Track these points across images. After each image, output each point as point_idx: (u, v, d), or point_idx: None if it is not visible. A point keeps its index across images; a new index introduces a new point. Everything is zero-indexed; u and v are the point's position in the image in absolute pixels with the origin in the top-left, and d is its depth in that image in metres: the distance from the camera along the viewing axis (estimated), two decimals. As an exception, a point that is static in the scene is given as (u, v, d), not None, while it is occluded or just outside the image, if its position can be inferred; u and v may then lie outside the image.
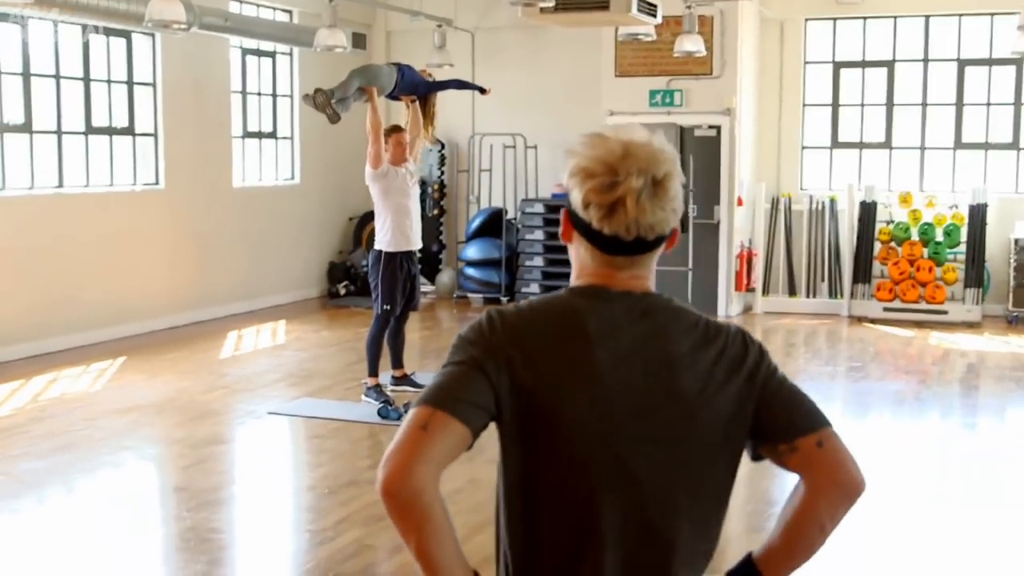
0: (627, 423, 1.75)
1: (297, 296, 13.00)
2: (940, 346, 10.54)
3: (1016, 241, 11.61)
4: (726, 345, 1.81)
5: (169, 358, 9.40)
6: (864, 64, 12.59)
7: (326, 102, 8.02)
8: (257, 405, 7.84)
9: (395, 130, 8.20)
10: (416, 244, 8.04)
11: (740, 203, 12.18)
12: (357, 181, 14.45)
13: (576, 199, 1.78)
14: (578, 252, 1.85)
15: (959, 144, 12.35)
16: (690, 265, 11.53)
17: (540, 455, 1.76)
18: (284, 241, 12.76)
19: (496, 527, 1.86)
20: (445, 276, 13.54)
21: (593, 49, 12.66)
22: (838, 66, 12.68)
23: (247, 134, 12.31)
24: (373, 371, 7.86)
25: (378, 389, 7.80)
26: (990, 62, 12.17)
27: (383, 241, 7.81)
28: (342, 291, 13.23)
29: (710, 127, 11.88)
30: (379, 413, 7.38)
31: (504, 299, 12.57)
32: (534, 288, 12.85)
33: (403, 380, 8.19)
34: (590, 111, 12.76)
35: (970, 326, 11.46)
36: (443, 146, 13.83)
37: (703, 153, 11.84)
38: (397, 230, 7.81)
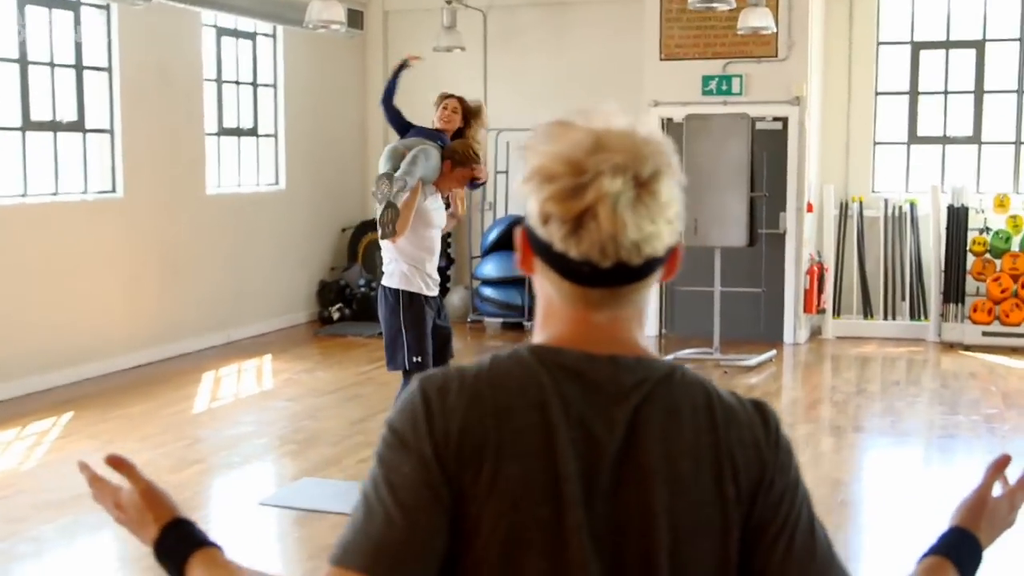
0: (584, 551, 1.26)
1: (283, 322, 11.02)
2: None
3: None
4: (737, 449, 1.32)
5: (128, 414, 7.42)
6: (948, 45, 10.74)
7: (389, 199, 5.78)
8: (243, 490, 5.88)
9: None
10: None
11: (810, 209, 10.32)
12: (351, 185, 12.66)
13: (532, 211, 1.28)
14: (542, 288, 1.34)
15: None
16: (763, 286, 9.66)
17: None
18: (267, 258, 10.78)
19: None
20: (456, 297, 11.59)
21: (632, 28, 10.78)
22: (917, 47, 10.83)
23: (223, 131, 10.33)
24: None
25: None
26: (1099, 41, 10.37)
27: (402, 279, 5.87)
28: (335, 315, 11.26)
29: (775, 119, 10.00)
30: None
31: (528, 323, 10.66)
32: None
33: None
34: (629, 101, 10.79)
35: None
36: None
37: (766, 150, 9.95)
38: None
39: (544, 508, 1.27)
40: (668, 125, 10.45)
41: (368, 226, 12.06)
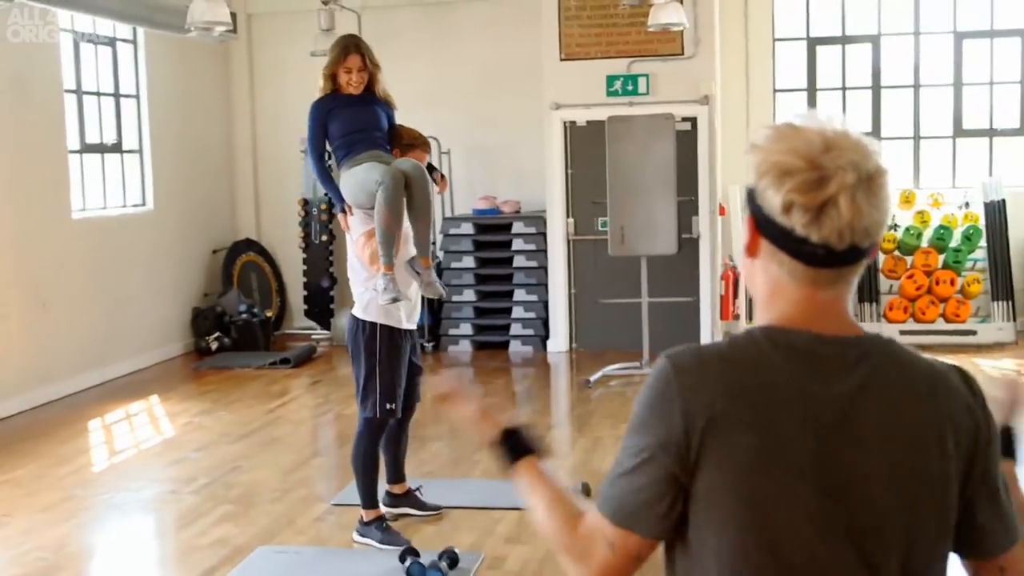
0: (822, 508, 1.47)
1: (158, 356, 9.97)
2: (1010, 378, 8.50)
3: (1046, 244, 9.79)
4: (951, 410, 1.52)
5: (15, 480, 6.36)
6: (845, 40, 10.57)
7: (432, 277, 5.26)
8: (192, 570, 4.98)
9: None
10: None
11: (723, 212, 9.95)
12: (220, 203, 11.58)
13: (772, 202, 1.47)
14: (767, 270, 1.54)
15: (959, 131, 10.48)
16: (678, 294, 9.21)
17: (737, 546, 1.48)
18: (138, 285, 9.73)
19: None
20: (344, 319, 10.73)
21: (526, 27, 10.21)
22: (814, 43, 10.61)
23: (85, 148, 9.24)
24: (369, 501, 5.16)
25: (383, 526, 5.11)
26: (991, 34, 10.35)
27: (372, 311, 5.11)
28: (214, 345, 10.28)
29: (683, 119, 9.56)
30: (409, 574, 4.68)
31: (428, 345, 9.94)
32: (465, 329, 10.25)
33: (404, 499, 5.52)
34: (527, 104, 10.28)
35: (1003, 347, 9.57)
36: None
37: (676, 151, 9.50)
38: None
39: (778, 472, 1.45)
40: (571, 129, 9.92)
41: (241, 247, 11.13)
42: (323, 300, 11.09)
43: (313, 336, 11.01)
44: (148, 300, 9.86)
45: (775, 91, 10.64)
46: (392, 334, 5.11)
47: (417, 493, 5.58)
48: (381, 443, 5.25)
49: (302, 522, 5.50)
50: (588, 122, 9.83)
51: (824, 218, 1.45)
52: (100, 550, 5.30)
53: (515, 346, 10.17)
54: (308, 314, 11.16)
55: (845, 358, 1.50)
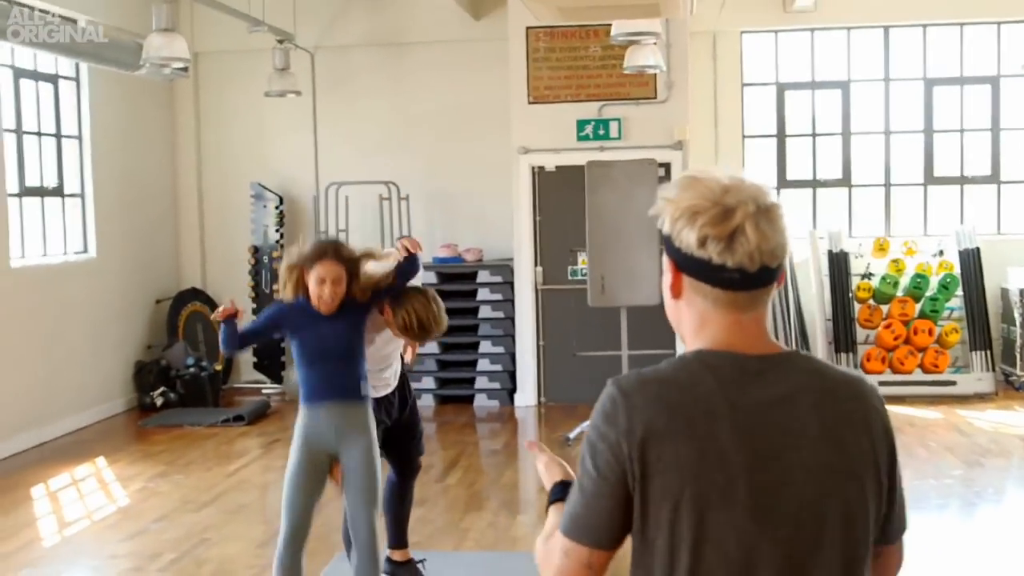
0: (759, 508, 1.65)
1: (100, 413, 9.32)
2: (1000, 431, 8.26)
3: (1021, 292, 9.60)
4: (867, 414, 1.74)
5: (-43, 556, 5.74)
6: (814, 86, 10.38)
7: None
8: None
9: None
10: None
11: (696, 260, 9.61)
12: (163, 251, 10.91)
13: (688, 240, 1.69)
14: (692, 305, 1.74)
15: (930, 178, 10.32)
16: (653, 346, 8.81)
17: (672, 540, 1.67)
18: (79, 338, 9.09)
19: None
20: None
21: (492, 69, 9.86)
22: (783, 88, 10.40)
23: (25, 191, 8.63)
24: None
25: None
26: (961, 81, 10.24)
27: None
28: (159, 401, 9.65)
29: (656, 164, 9.21)
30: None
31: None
32: (428, 383, 9.75)
33: (405, 569, 5.01)
34: (491, 149, 9.91)
35: (983, 398, 9.34)
36: (281, 200, 10.53)
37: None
38: None
39: (716, 475, 1.64)
40: (540, 174, 9.55)
41: (187, 296, 10.53)
42: (274, 353, 10.52)
43: (264, 391, 10.43)
44: (89, 353, 9.22)
45: (744, 136, 10.40)
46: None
47: (420, 567, 5.09)
48: (383, 504, 4.76)
49: (289, 604, 4.95)
50: (557, 167, 9.47)
51: (735, 244, 1.65)
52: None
53: (480, 400, 9.70)
54: (257, 367, 10.58)
55: (768, 372, 1.69)
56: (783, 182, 10.42)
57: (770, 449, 1.65)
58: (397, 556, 5.03)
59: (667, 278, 1.75)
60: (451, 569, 5.32)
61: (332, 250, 4.20)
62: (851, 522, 1.69)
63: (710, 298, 1.70)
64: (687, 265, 1.71)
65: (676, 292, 1.74)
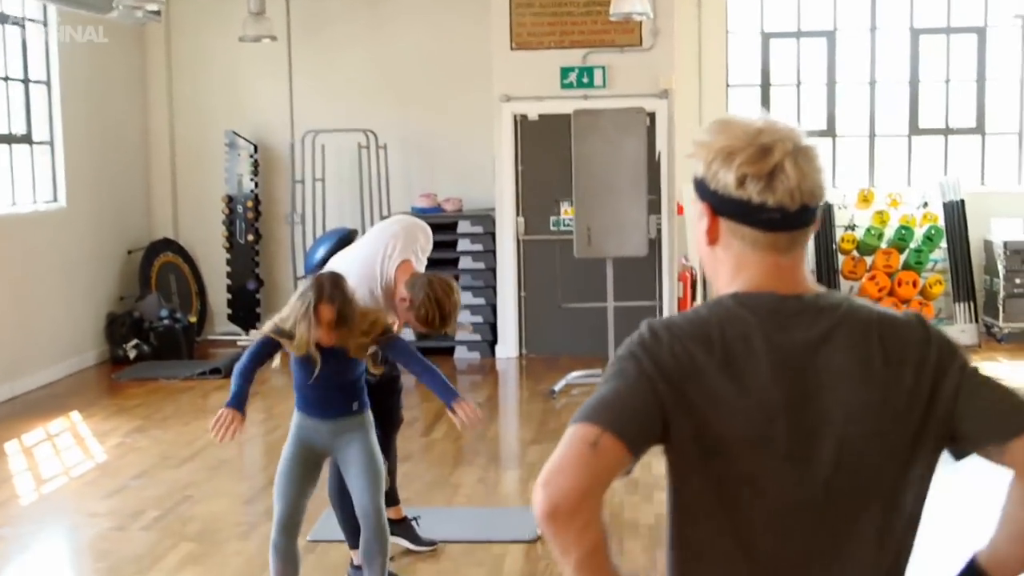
0: (797, 449, 1.62)
1: (72, 367, 9.10)
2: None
3: (1006, 244, 9.56)
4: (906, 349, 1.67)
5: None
6: (799, 35, 10.22)
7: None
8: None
9: None
10: None
11: (680, 211, 9.49)
12: (135, 200, 10.58)
13: (726, 181, 1.65)
14: (729, 249, 1.70)
15: (915, 129, 10.22)
16: (657, 297, 8.72)
17: (709, 481, 1.64)
18: (50, 290, 8.86)
19: (670, 553, 1.71)
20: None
21: (472, 15, 9.62)
22: (767, 37, 10.24)
23: (-8, 137, 8.36)
24: (355, 539, 4.48)
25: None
26: (948, 31, 10.11)
27: None
28: (132, 354, 9.44)
29: (645, 113, 9.03)
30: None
31: (368, 352, 9.25)
32: (406, 335, 9.56)
33: (399, 526, 4.87)
34: (472, 97, 9.71)
35: (967, 350, 9.26)
36: (256, 149, 10.29)
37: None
38: None
39: (757, 414, 1.61)
40: (522, 123, 9.36)
41: (159, 246, 10.30)
42: (249, 304, 10.33)
43: (239, 342, 10.21)
44: (60, 305, 8.98)
45: (728, 86, 10.24)
46: None
47: (414, 523, 4.96)
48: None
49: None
50: (540, 116, 9.29)
51: (775, 182, 1.62)
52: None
53: (461, 352, 9.56)
54: (232, 318, 10.38)
55: (807, 311, 1.65)
56: (767, 132, 10.28)
57: (809, 389, 1.63)
58: (391, 514, 4.87)
59: (702, 224, 1.70)
60: (444, 525, 5.20)
61: (329, 294, 3.86)
62: (896, 461, 1.65)
63: (748, 240, 1.67)
64: (724, 207, 1.67)
65: (712, 237, 1.70)
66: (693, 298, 9.43)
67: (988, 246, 9.79)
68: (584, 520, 1.55)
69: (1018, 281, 9.57)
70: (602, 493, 1.57)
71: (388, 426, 4.81)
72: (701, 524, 1.66)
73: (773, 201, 1.63)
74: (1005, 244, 9.54)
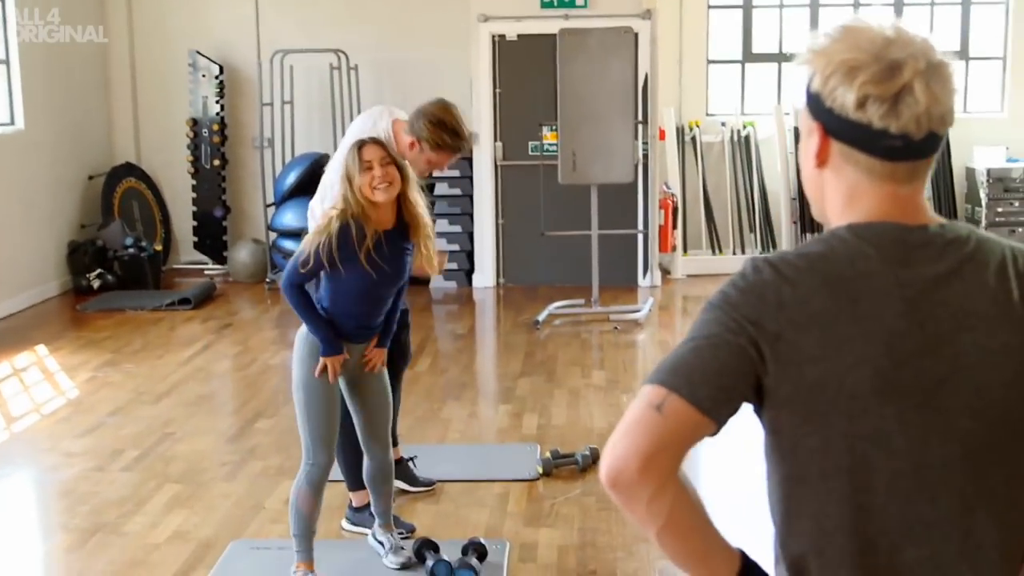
0: (930, 398, 1.45)
1: (33, 297, 8.76)
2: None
3: (988, 172, 9.44)
4: None
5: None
6: (783, -47, 9.94)
7: None
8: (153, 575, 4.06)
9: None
10: None
11: (662, 136, 9.27)
12: (94, 123, 10.12)
13: (844, 100, 1.45)
14: (841, 175, 1.51)
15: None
16: (641, 225, 8.53)
17: (828, 440, 1.46)
18: (8, 217, 8.48)
19: (777, 526, 1.54)
20: (243, 252, 9.68)
21: (449, -71, 9.22)
22: (750, -45, 9.95)
23: (-56, 56, 7.91)
24: (356, 481, 4.28)
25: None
26: (934, -50, 9.87)
27: None
28: (96, 283, 9.11)
29: (633, 33, 8.74)
30: (434, 575, 3.88)
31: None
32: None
33: (397, 467, 4.67)
34: (450, 16, 9.36)
35: (948, 280, 9.21)
36: (221, 69, 9.88)
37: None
38: None
39: (885, 360, 1.43)
40: (500, 44, 9.04)
41: (121, 172, 9.91)
42: (215, 231, 10.01)
43: (206, 271, 9.92)
44: (18, 233, 8.61)
45: (709, 7, 9.96)
46: None
47: (410, 464, 4.77)
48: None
49: (272, 506, 4.60)
50: (520, 36, 8.97)
51: (901, 107, 1.44)
52: (35, 555, 4.31)
53: (437, 281, 9.31)
54: (198, 247, 10.06)
55: (932, 243, 1.49)
56: (748, 55, 10.04)
57: (942, 330, 1.46)
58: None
59: (811, 143, 1.52)
60: (442, 464, 5.00)
61: (370, 139, 3.73)
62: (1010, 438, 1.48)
63: (863, 168, 1.49)
64: (840, 129, 1.48)
65: (822, 159, 1.51)
66: (675, 227, 9.24)
67: (970, 174, 9.68)
68: (652, 489, 1.42)
69: (1000, 209, 9.48)
70: (674, 461, 1.43)
71: (401, 362, 4.59)
72: (814, 492, 1.48)
73: (896, 127, 1.44)
74: (988, 172, 9.42)
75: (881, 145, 1.46)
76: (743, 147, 9.80)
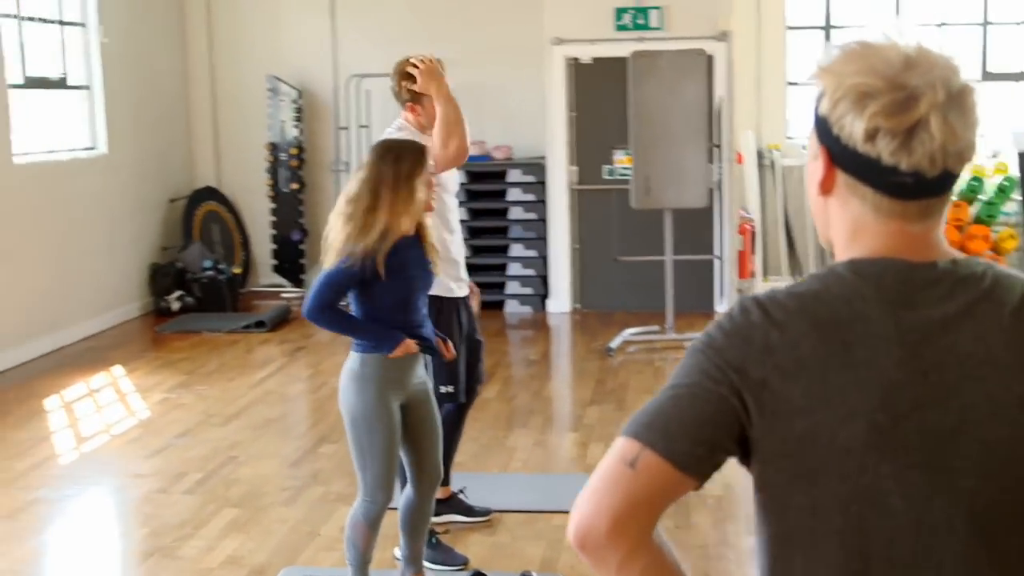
0: (933, 455, 1.30)
1: (115, 318, 8.91)
2: None
3: (1081, 196, 9.11)
4: None
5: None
6: (866, -27, 9.75)
7: None
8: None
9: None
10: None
11: (740, 160, 9.12)
12: (176, 147, 10.28)
13: (853, 130, 1.31)
14: (846, 207, 1.37)
15: (985, 75, 9.74)
16: (717, 250, 8.40)
17: (818, 500, 1.32)
18: (91, 239, 8.65)
19: None
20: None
21: (524, -48, 9.21)
22: (832, -24, 9.77)
23: (28, 82, 8.09)
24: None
25: (433, 543, 4.19)
26: (1025, -32, 9.60)
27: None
28: (175, 305, 9.24)
29: (706, 55, 8.62)
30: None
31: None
32: (455, 287, 9.31)
33: (449, 505, 4.61)
34: (525, 39, 9.33)
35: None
36: (300, 94, 9.98)
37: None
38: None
39: (881, 414, 1.29)
40: (575, 67, 8.98)
41: (202, 195, 10.06)
42: (293, 255, 10.09)
43: (283, 294, 10.00)
44: (102, 255, 8.78)
45: (787, 28, 9.80)
46: (443, 306, 4.21)
47: (461, 496, 4.70)
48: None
49: (328, 532, 4.57)
50: (594, 59, 8.90)
51: (915, 143, 1.31)
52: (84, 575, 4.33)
53: (512, 306, 9.27)
54: (277, 270, 10.15)
55: (941, 282, 1.35)
56: (830, 77, 9.85)
57: (947, 380, 1.31)
58: (440, 494, 4.59)
59: (816, 168, 1.38)
60: (501, 493, 4.93)
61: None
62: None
63: (870, 203, 1.35)
64: (846, 159, 1.34)
65: (826, 188, 1.38)
66: (752, 251, 9.08)
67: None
68: (624, 553, 1.31)
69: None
70: (648, 521, 1.32)
71: (468, 396, 4.53)
72: (804, 556, 1.35)
73: (908, 165, 1.30)
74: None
75: (890, 181, 1.33)
76: (824, 170, 9.61)
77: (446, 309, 4.26)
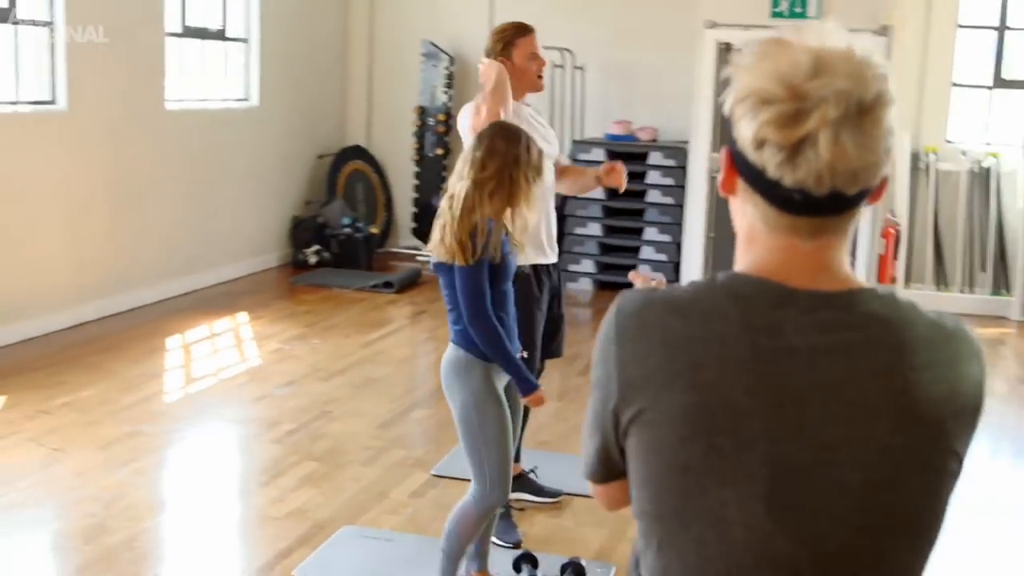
0: (779, 491, 1.23)
1: (253, 266, 9.19)
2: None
3: None
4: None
5: (77, 402, 5.61)
6: (1050, -27, 9.20)
7: None
8: (256, 551, 4.15)
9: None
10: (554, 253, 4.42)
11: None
12: (329, 105, 10.54)
13: (744, 135, 1.25)
14: (743, 213, 1.32)
15: (998, 81, 9.12)
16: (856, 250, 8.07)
17: (662, 511, 1.31)
18: (236, 188, 8.92)
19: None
20: (454, 242, 9.81)
21: (685, -68, 9.02)
22: (1012, -26, 9.26)
23: (187, 31, 8.38)
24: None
25: (500, 512, 4.17)
26: None
27: None
28: (312, 259, 9.48)
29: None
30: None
31: (544, 279, 8.97)
32: (587, 266, 9.27)
33: (519, 483, 4.59)
34: (677, 23, 9.17)
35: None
36: (452, 60, 10.05)
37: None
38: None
39: (724, 440, 1.24)
40: (726, 52, 8.76)
41: (349, 153, 10.25)
42: (432, 219, 10.15)
43: (418, 258, 10.12)
44: (246, 204, 9.06)
45: (958, 27, 9.33)
46: (526, 278, 4.15)
47: (532, 475, 4.67)
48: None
49: (397, 495, 4.63)
50: (746, 45, 8.66)
51: (799, 159, 1.22)
52: (157, 510, 4.48)
53: (639, 290, 9.15)
54: (416, 233, 10.29)
55: (820, 311, 1.26)
56: (999, 81, 9.35)
57: (806, 416, 1.23)
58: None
59: (723, 166, 1.34)
60: (576, 476, 4.88)
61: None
62: (913, 525, 1.27)
63: (760, 212, 1.29)
64: (741, 164, 1.30)
65: (727, 188, 1.34)
66: (895, 256, 8.74)
67: None
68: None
69: None
70: (627, 500, 1.46)
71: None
72: (656, 559, 1.35)
73: (792, 181, 1.23)
74: None
75: (776, 194, 1.26)
76: (983, 179, 9.14)
77: (524, 278, 4.19)
